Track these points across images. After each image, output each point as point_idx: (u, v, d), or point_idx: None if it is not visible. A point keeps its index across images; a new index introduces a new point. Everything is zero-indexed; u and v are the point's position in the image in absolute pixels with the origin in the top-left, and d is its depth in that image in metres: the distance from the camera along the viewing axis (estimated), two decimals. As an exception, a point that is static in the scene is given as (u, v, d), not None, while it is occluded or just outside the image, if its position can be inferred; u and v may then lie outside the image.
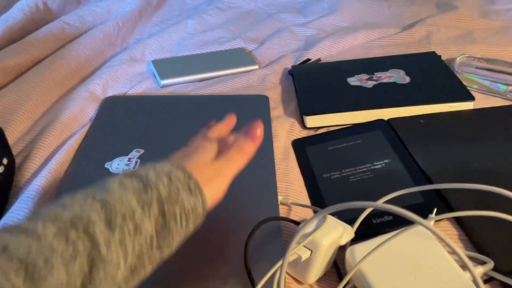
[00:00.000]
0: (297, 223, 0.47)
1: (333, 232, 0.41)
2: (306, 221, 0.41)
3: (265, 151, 0.58)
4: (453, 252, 0.44)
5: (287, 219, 0.47)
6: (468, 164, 0.54)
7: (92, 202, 0.30)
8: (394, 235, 0.42)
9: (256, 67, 0.80)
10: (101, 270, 0.27)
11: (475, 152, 0.56)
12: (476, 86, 0.70)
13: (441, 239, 0.29)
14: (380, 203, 0.46)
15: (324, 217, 0.42)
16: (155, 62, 0.80)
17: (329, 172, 0.56)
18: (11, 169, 0.50)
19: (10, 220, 0.45)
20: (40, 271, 0.25)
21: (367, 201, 0.34)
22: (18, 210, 0.46)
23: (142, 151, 0.57)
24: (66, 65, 0.74)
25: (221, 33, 0.91)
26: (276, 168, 0.56)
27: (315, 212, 0.51)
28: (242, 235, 0.45)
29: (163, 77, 0.76)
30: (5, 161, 0.49)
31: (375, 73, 0.72)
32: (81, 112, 0.65)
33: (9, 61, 0.70)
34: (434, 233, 0.29)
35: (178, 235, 0.33)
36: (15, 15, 0.81)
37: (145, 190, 0.32)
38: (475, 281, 0.29)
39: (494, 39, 0.83)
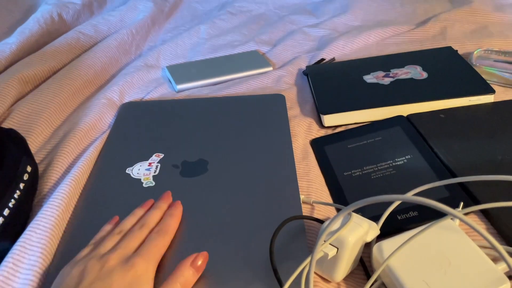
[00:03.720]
0: (320, 221, 0.46)
1: (359, 229, 0.41)
2: (331, 219, 0.41)
3: (285, 151, 0.58)
4: (484, 246, 0.43)
5: (311, 218, 0.46)
6: (491, 157, 0.54)
7: None
8: (422, 230, 0.41)
9: (270, 68, 0.80)
10: None
11: (498, 145, 0.55)
12: (495, 79, 0.69)
13: (475, 230, 0.29)
14: (409, 195, 0.46)
15: (349, 214, 0.41)
16: (170, 68, 0.81)
17: (350, 170, 0.56)
18: (35, 177, 0.51)
19: (37, 227, 0.45)
20: None
21: (394, 194, 0.33)
22: (44, 218, 0.46)
23: (162, 155, 0.57)
24: (83, 73, 0.75)
25: (234, 37, 0.92)
26: (296, 167, 0.56)
27: (337, 210, 0.51)
28: (266, 235, 0.45)
29: (178, 82, 0.76)
30: (29, 168, 0.49)
31: (391, 70, 0.72)
32: (99, 119, 0.66)
33: (27, 71, 0.71)
34: (468, 224, 0.29)
35: None
36: (31, 26, 0.83)
37: None
38: None
39: (510, 32, 0.82)
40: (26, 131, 0.61)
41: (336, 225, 0.41)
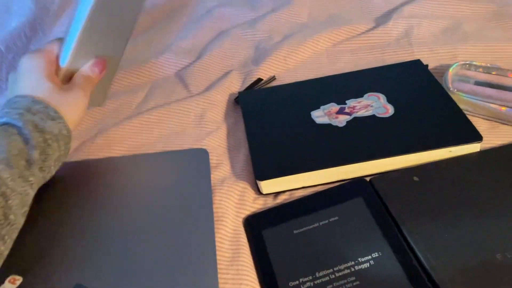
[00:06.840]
0: None
1: None
2: None
3: (204, 247, 0.41)
4: None
5: None
6: (487, 254, 0.39)
7: None
8: None
9: (193, 95, 0.61)
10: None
11: (495, 230, 0.41)
12: (474, 109, 0.53)
13: None
14: None
15: None
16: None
17: (298, 278, 0.40)
18: None
19: None
20: None
21: None
22: None
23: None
24: None
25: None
26: (218, 273, 0.39)
27: None
28: None
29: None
30: None
31: (347, 102, 0.55)
32: None
33: None
34: None
35: (55, 156, 0.41)
36: None
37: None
38: None
39: (489, 30, 0.66)
40: None
41: None
